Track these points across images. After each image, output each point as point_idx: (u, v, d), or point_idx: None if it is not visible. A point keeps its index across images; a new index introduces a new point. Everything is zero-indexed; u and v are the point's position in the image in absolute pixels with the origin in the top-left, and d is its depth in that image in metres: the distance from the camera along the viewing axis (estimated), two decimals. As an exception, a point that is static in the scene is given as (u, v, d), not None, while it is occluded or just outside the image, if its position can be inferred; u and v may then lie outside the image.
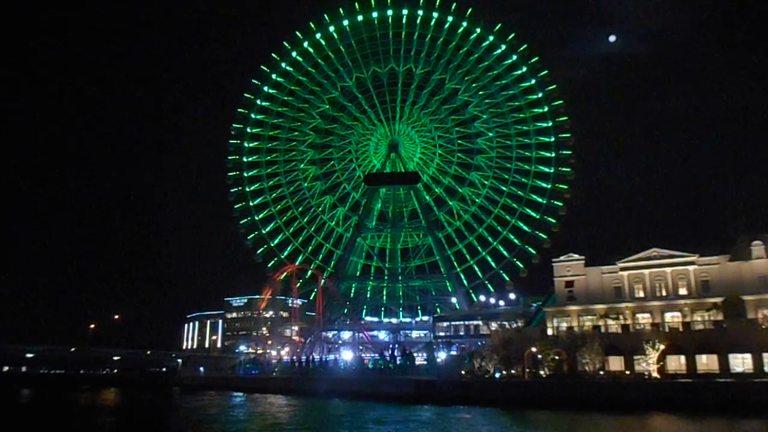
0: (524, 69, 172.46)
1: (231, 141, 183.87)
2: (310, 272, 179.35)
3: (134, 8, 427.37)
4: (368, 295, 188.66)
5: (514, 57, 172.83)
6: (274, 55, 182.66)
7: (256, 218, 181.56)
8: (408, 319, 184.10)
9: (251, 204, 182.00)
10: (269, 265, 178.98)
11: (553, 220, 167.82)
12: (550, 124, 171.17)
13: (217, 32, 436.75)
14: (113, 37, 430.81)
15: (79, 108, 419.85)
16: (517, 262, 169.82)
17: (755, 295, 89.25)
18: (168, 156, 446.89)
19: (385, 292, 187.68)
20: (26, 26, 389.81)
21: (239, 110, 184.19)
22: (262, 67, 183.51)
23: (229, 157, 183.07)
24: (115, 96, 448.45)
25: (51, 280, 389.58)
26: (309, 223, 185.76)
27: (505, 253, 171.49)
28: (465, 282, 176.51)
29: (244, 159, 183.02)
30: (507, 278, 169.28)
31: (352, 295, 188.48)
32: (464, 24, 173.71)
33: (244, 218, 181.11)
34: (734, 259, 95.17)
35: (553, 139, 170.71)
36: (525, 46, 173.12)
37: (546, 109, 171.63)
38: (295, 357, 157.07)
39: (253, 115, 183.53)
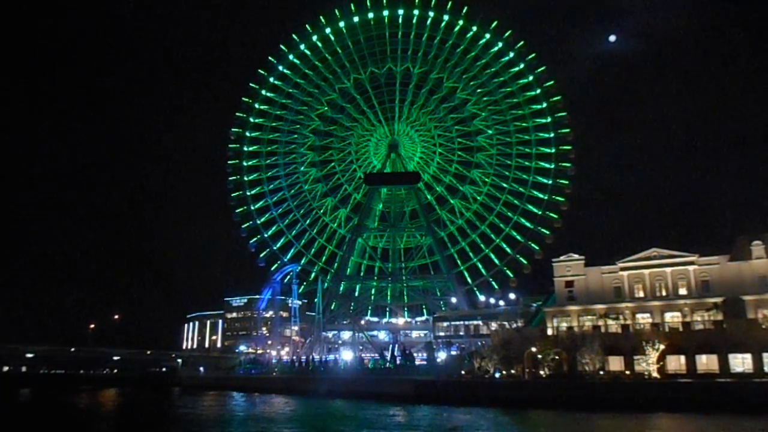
0: (522, 66, 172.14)
1: (230, 145, 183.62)
2: (313, 274, 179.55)
3: (133, 10, 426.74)
4: (372, 296, 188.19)
5: (512, 54, 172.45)
6: (271, 58, 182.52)
7: (258, 222, 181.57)
8: (408, 319, 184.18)
9: (252, 208, 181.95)
10: (272, 268, 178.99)
11: (555, 216, 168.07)
12: (549, 120, 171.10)
13: (214, 36, 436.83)
14: (113, 38, 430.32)
15: (80, 108, 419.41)
16: (521, 258, 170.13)
17: (755, 295, 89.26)
18: (168, 156, 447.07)
19: (389, 293, 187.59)
20: (27, 26, 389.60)
21: (238, 114, 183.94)
22: (259, 70, 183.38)
23: (229, 162, 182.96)
24: (115, 96, 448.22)
25: (51, 280, 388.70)
26: (311, 225, 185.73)
27: (508, 249, 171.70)
28: (469, 280, 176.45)
29: (244, 163, 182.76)
30: (511, 275, 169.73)
31: (356, 294, 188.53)
32: (460, 22, 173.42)
33: (246, 222, 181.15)
34: (734, 259, 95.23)
35: (552, 134, 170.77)
36: (522, 42, 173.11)
37: (545, 105, 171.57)
38: (295, 357, 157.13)
39: (251, 119, 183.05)
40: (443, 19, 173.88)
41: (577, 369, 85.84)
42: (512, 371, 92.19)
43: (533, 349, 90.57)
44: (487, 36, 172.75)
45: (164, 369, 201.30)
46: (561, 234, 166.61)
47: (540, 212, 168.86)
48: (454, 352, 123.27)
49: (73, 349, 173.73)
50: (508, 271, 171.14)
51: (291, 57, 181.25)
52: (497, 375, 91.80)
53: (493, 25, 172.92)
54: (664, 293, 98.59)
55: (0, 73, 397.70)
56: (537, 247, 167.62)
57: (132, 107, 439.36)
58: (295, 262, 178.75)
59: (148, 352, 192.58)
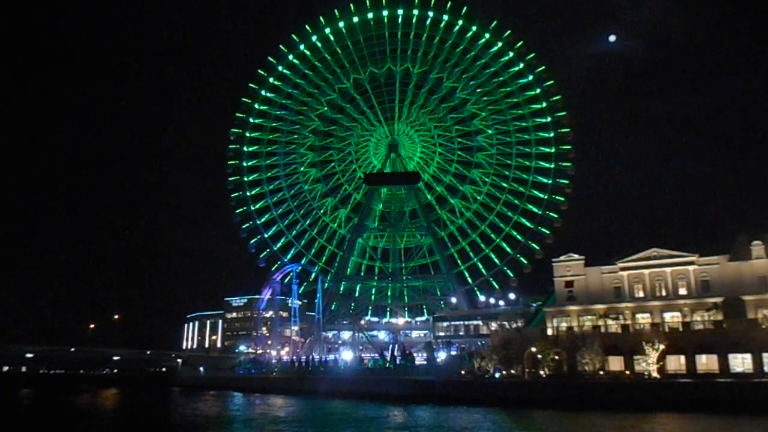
0: (521, 65, 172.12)
1: (230, 146, 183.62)
2: (313, 275, 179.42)
3: (134, 13, 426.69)
4: (372, 296, 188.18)
5: (511, 54, 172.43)
6: (270, 58, 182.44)
7: (258, 222, 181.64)
8: (408, 319, 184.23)
9: (252, 209, 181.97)
10: (272, 268, 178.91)
11: (555, 215, 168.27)
12: (549, 119, 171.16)
13: (214, 36, 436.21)
14: (113, 38, 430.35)
15: (80, 109, 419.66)
16: (521, 258, 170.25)
17: (755, 295, 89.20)
18: (168, 157, 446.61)
19: (389, 293, 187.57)
20: (28, 26, 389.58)
21: (237, 115, 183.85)
22: (259, 71, 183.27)
23: (229, 162, 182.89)
24: (115, 96, 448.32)
25: (51, 280, 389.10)
26: (311, 225, 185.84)
27: (508, 249, 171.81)
28: (469, 280, 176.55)
29: (244, 163, 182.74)
30: (511, 275, 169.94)
31: (357, 294, 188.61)
32: (460, 22, 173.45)
33: (246, 222, 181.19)
34: (734, 259, 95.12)
35: (552, 134, 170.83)
36: (521, 42, 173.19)
37: (544, 104, 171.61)
38: (295, 357, 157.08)
39: (251, 119, 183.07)
40: (443, 18, 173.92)
41: (577, 369, 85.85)
42: (512, 371, 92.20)
43: (533, 349, 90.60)
44: (487, 36, 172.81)
45: (164, 369, 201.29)
46: (561, 234, 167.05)
47: (540, 212, 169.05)
48: (454, 352, 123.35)
49: (73, 349, 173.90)
50: (508, 271, 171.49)
51: (291, 57, 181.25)
52: (497, 375, 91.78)
53: (493, 24, 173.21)
54: (664, 293, 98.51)
55: (1, 73, 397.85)
56: (537, 247, 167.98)
57: (132, 107, 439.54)
58: (296, 262, 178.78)
59: (148, 352, 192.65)
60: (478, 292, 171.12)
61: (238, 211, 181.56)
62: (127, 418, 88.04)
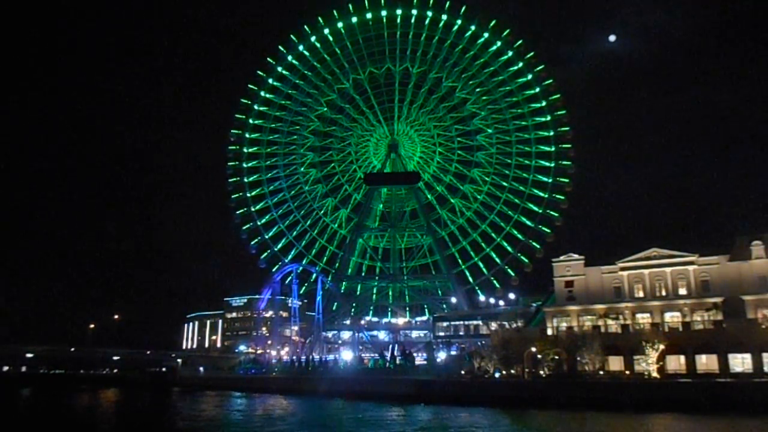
0: (521, 65, 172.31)
1: (230, 147, 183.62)
2: (315, 275, 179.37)
3: (134, 13, 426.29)
4: (373, 296, 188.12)
5: (510, 53, 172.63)
6: (269, 59, 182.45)
7: (258, 223, 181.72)
8: (408, 319, 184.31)
9: (253, 209, 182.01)
10: (273, 269, 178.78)
11: (556, 214, 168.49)
12: (549, 118, 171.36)
13: (213, 37, 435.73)
14: (113, 39, 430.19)
15: (80, 109, 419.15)
16: (522, 257, 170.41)
17: (755, 295, 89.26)
18: (168, 156, 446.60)
19: (390, 293, 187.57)
20: (27, 27, 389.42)
21: (237, 115, 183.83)
22: (258, 72, 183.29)
23: (229, 164, 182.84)
24: (115, 96, 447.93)
25: (51, 280, 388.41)
26: (312, 226, 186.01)
27: (509, 248, 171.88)
28: (470, 279, 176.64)
29: (244, 165, 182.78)
30: (512, 274, 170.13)
31: (358, 294, 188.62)
32: (459, 22, 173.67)
33: (247, 223, 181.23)
34: (734, 259, 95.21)
35: (552, 133, 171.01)
36: (521, 41, 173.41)
37: (544, 103, 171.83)
38: (295, 357, 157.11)
39: (251, 120, 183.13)
40: (441, 18, 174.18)
41: (577, 369, 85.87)
42: (512, 371, 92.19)
43: (533, 349, 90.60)
44: (486, 35, 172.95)
45: (164, 369, 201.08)
46: (561, 233, 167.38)
47: (540, 211, 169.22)
48: (454, 352, 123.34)
49: (73, 349, 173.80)
50: (509, 270, 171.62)
51: (290, 58, 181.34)
52: (497, 375, 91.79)
53: (492, 24, 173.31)
54: (663, 293, 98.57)
55: (2, 74, 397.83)
56: (538, 246, 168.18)
57: (132, 108, 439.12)
58: (296, 262, 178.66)
59: (148, 352, 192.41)
60: (479, 292, 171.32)
61: (238, 212, 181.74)
62: (127, 418, 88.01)
